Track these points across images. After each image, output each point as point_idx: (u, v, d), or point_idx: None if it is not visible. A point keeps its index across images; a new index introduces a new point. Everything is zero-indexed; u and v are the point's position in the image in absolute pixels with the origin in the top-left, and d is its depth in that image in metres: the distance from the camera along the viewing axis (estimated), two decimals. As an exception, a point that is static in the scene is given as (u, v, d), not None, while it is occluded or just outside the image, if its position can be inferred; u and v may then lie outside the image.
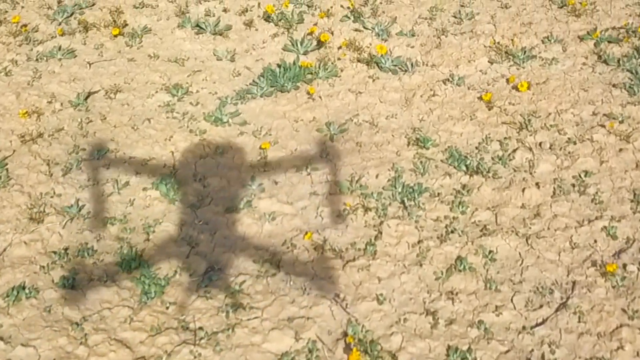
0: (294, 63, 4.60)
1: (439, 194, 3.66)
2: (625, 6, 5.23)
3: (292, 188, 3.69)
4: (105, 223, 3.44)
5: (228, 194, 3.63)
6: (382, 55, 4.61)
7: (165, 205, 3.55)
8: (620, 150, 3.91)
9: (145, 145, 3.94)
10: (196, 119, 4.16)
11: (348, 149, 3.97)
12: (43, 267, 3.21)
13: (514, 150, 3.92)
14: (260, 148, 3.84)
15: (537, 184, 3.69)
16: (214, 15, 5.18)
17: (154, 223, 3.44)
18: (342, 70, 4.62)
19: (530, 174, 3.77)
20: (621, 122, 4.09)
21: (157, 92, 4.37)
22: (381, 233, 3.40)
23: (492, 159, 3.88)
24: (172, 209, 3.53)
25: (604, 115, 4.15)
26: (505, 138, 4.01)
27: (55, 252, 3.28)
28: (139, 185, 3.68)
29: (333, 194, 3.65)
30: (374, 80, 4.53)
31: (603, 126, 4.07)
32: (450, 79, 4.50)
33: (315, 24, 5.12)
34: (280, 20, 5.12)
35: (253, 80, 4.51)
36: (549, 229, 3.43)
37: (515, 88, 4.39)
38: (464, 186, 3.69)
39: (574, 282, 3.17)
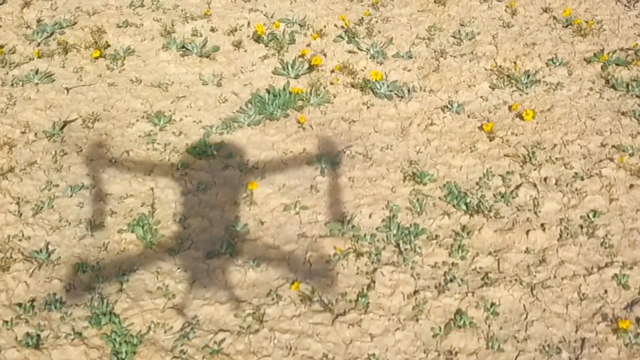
0: (284, 89, 4.34)
1: (436, 236, 3.40)
2: (634, 25, 4.98)
3: (279, 229, 3.44)
4: (77, 270, 3.18)
5: (210, 237, 3.37)
6: (377, 81, 4.35)
7: (141, 249, 3.30)
8: (631, 186, 3.65)
9: (122, 181, 3.68)
10: (178, 150, 3.90)
11: (340, 184, 3.71)
12: (6, 322, 2.95)
13: (517, 187, 3.66)
14: (247, 189, 3.57)
15: (542, 225, 3.44)
16: (200, 35, 4.93)
17: (128, 270, 3.19)
18: (334, 96, 4.36)
19: (535, 213, 3.51)
20: (631, 154, 3.83)
21: (137, 120, 4.11)
22: (374, 282, 3.14)
23: (494, 196, 3.62)
24: (148, 254, 3.27)
25: (613, 146, 3.90)
26: (507, 173, 3.76)
27: (20, 305, 3.02)
28: (114, 226, 3.42)
29: (323, 236, 3.39)
30: (368, 107, 4.27)
31: (612, 159, 3.81)
32: (449, 106, 4.24)
33: (308, 45, 4.87)
34: (270, 40, 4.87)
35: (240, 108, 4.25)
36: (555, 277, 3.18)
37: (519, 116, 4.14)
38: (463, 227, 3.43)
39: (583, 340, 2.91)
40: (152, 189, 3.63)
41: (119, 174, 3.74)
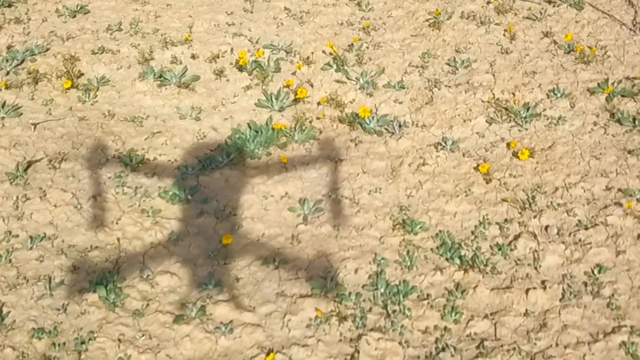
0: (267, 124, 4.06)
1: (428, 295, 3.11)
2: (639, 51, 4.69)
3: (256, 287, 3.15)
4: (32, 336, 2.89)
5: (179, 297, 3.09)
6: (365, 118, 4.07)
7: (103, 312, 3.01)
8: (639, 236, 3.36)
9: (87, 231, 3.40)
10: (150, 194, 3.61)
11: (324, 233, 3.43)
12: (-51, 400, 2.67)
13: (516, 237, 3.37)
14: (222, 243, 3.29)
15: (543, 282, 3.15)
16: (180, 63, 4.64)
17: (88, 337, 2.90)
18: (320, 132, 4.08)
19: (535, 268, 3.22)
20: (639, 200, 3.54)
21: (108, 160, 3.83)
22: (358, 352, 2.86)
23: (491, 247, 3.33)
24: (111, 317, 2.98)
25: (619, 190, 3.61)
26: (505, 220, 3.47)
27: (-34, 380, 2.73)
28: (75, 285, 3.13)
29: (304, 295, 3.10)
30: (356, 145, 3.99)
31: (619, 205, 3.52)
32: (443, 143, 3.96)
33: (294, 73, 4.59)
34: (254, 68, 4.58)
35: (219, 145, 3.97)
36: (557, 345, 2.89)
37: (517, 155, 3.85)
38: (457, 285, 3.15)
39: (588, 421, 2.62)
40: (118, 239, 3.34)
41: (85, 222, 3.45)
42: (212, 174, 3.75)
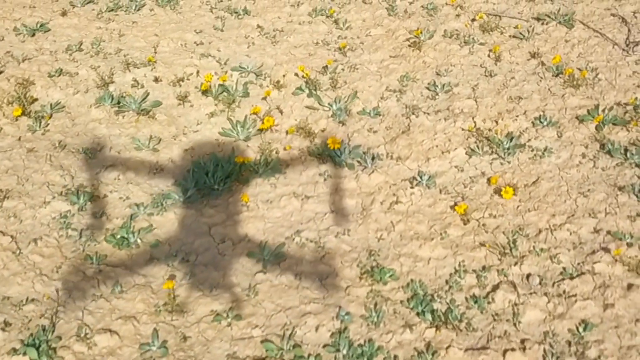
0: (230, 157, 3.75)
1: (395, 357, 2.81)
2: (633, 73, 4.39)
3: (205, 348, 2.84)
4: (-50, 407, 2.59)
5: (119, 360, 2.78)
6: (335, 149, 3.77)
7: (33, 379, 2.70)
8: (629, 287, 3.06)
9: (25, 280, 3.10)
10: (96, 238, 3.31)
11: (284, 283, 3.13)
12: None
13: (495, 288, 3.07)
14: (169, 297, 2.98)
15: (522, 342, 2.85)
16: (142, 87, 4.34)
17: (12, 410, 2.59)
18: (287, 165, 3.78)
19: (514, 325, 2.92)
20: (630, 244, 3.24)
21: (54, 197, 3.52)
22: None
23: (466, 300, 3.03)
24: (41, 385, 2.68)
25: (608, 233, 3.31)
26: (483, 268, 3.17)
27: None
28: (5, 344, 2.83)
29: (258, 358, 2.80)
30: (325, 180, 3.69)
31: (607, 250, 3.22)
32: (419, 178, 3.66)
33: (264, 99, 4.28)
34: (221, 93, 4.28)
35: (176, 180, 3.66)
36: (536, 417, 2.59)
37: (498, 193, 3.55)
38: (428, 345, 2.85)
39: None
40: (57, 290, 3.03)
41: (22, 270, 3.15)
42: (166, 214, 3.45)
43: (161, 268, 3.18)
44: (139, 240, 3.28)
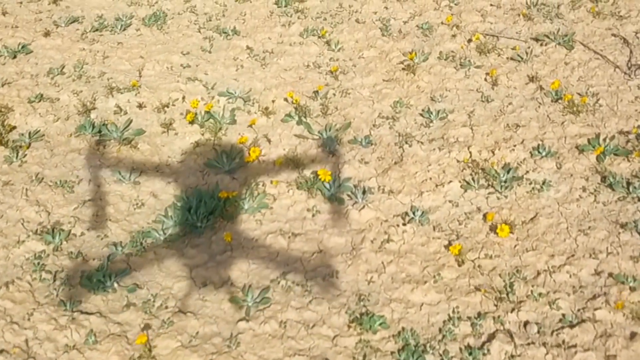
0: (214, 191, 3.59)
1: (383, 416, 2.64)
2: (635, 99, 4.23)
3: (182, 405, 2.68)
4: None
5: (90, 420, 2.61)
6: (325, 182, 3.60)
7: None
8: (632, 336, 2.90)
9: (-7, 330, 2.93)
10: (71, 281, 3.15)
11: (268, 333, 2.96)
12: None
13: (490, 338, 2.91)
14: (144, 350, 2.82)
15: (519, 399, 2.68)
16: (125, 113, 4.18)
17: None
18: (275, 200, 3.61)
19: (511, 379, 2.76)
20: (633, 289, 3.08)
21: (29, 236, 3.36)
22: None
23: (460, 350, 2.87)
24: None
25: (610, 275, 3.15)
26: (478, 315, 3.01)
27: None
28: (-31, 403, 2.66)
29: (237, 416, 2.63)
30: (314, 216, 3.52)
31: (609, 295, 3.06)
32: (412, 214, 3.49)
33: (251, 126, 4.12)
34: (207, 120, 4.12)
35: (157, 216, 3.50)
36: None
37: (494, 230, 3.38)
38: (418, 403, 2.68)
39: None
40: (26, 341, 2.87)
41: (-9, 318, 2.98)
42: (145, 254, 3.29)
43: (138, 315, 3.01)
44: (115, 284, 3.12)
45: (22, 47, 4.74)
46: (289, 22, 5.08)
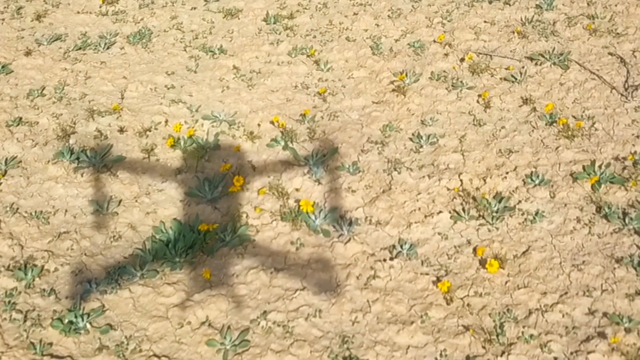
0: (194, 224, 3.46)
1: None
2: (632, 122, 4.11)
3: None
4: None
5: None
6: (309, 213, 3.47)
7: None
8: (628, 383, 2.76)
9: (-42, 376, 2.80)
10: (42, 322, 3.01)
11: (246, 378, 2.83)
12: None
13: (479, 384, 2.77)
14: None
15: None
16: (105, 138, 4.05)
17: None
18: (257, 232, 3.48)
19: None
20: (628, 330, 2.94)
21: (0, 272, 3.22)
22: None
23: (447, 398, 2.73)
24: None
25: (605, 315, 3.02)
26: (467, 359, 2.87)
27: None
28: None
29: None
30: (297, 249, 3.39)
31: (603, 336, 2.93)
32: (399, 247, 3.37)
33: (238, 148, 3.99)
34: (190, 145, 3.99)
35: (134, 251, 3.36)
36: None
37: (485, 265, 3.25)
38: None
39: None
40: (-7, 390, 2.74)
41: (-43, 363, 2.85)
42: (120, 292, 3.15)
43: (110, 359, 2.88)
44: (88, 325, 2.99)
45: (2, 67, 4.62)
46: (278, 40, 4.96)
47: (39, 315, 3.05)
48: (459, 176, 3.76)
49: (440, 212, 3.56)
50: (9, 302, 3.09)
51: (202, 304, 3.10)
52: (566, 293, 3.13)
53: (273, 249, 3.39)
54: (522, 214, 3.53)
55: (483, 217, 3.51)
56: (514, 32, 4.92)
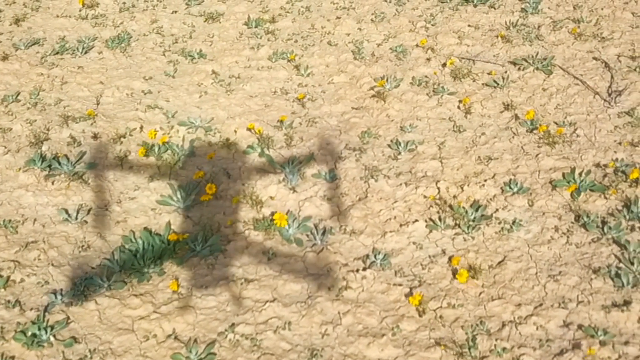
0: (164, 233, 3.39)
1: None
2: (614, 128, 4.04)
3: None
4: None
5: None
6: (281, 226, 3.41)
7: None
8: (602, 398, 2.70)
9: None
10: (5, 335, 2.95)
11: (210, 393, 2.76)
12: None
13: (448, 400, 2.70)
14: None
15: None
16: (79, 144, 3.99)
17: None
18: (229, 242, 3.42)
19: None
20: (603, 343, 2.88)
21: (-36, 283, 3.16)
22: None
23: (415, 414, 2.67)
24: None
25: (580, 327, 2.95)
26: (437, 373, 2.81)
27: None
28: None
29: None
30: (270, 259, 3.33)
31: (578, 348, 2.86)
32: (373, 257, 3.30)
33: (211, 158, 3.93)
34: (165, 152, 3.93)
35: (102, 262, 3.30)
36: None
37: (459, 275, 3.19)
38: None
39: None
40: (-49, 405, 2.67)
41: None
42: (86, 304, 3.09)
43: (73, 373, 2.81)
44: (52, 338, 2.92)
45: (-22, 72, 4.55)
46: (258, 44, 4.90)
47: (2, 327, 2.98)
48: (436, 184, 3.70)
49: (416, 220, 3.49)
50: (-28, 314, 3.03)
51: (169, 316, 3.03)
52: (541, 305, 3.06)
53: (244, 259, 3.33)
54: (499, 223, 3.47)
55: (459, 226, 3.45)
56: (497, 37, 4.86)
